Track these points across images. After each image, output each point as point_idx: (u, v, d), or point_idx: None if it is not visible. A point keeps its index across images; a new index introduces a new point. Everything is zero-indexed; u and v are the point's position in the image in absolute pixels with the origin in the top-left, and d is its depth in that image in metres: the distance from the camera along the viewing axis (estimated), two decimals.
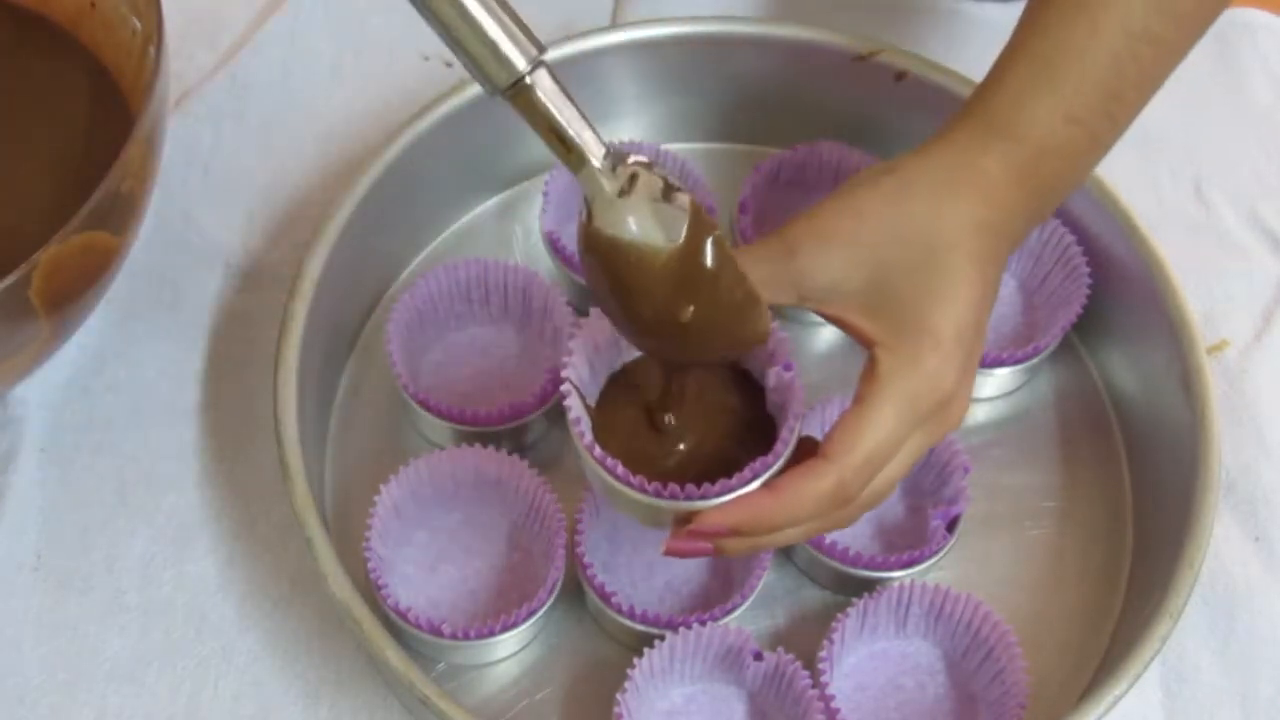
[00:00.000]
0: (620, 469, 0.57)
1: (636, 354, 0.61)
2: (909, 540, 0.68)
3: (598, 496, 0.64)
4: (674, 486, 0.56)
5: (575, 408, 0.58)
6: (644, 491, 0.57)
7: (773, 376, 0.59)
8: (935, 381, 0.56)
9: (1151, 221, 0.72)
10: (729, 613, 0.64)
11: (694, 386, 0.60)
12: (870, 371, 0.57)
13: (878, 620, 0.65)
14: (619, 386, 0.61)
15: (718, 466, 0.57)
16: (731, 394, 0.61)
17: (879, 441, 0.56)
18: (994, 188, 0.58)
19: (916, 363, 0.56)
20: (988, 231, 0.58)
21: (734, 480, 0.56)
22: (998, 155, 0.59)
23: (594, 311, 0.59)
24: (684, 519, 0.57)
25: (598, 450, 0.57)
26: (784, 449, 0.57)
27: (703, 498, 0.57)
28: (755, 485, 0.57)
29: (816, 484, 0.55)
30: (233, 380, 0.73)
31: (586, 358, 0.60)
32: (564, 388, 0.58)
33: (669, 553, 0.57)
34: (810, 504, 0.56)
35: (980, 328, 0.58)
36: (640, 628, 0.64)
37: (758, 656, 0.63)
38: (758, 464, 0.56)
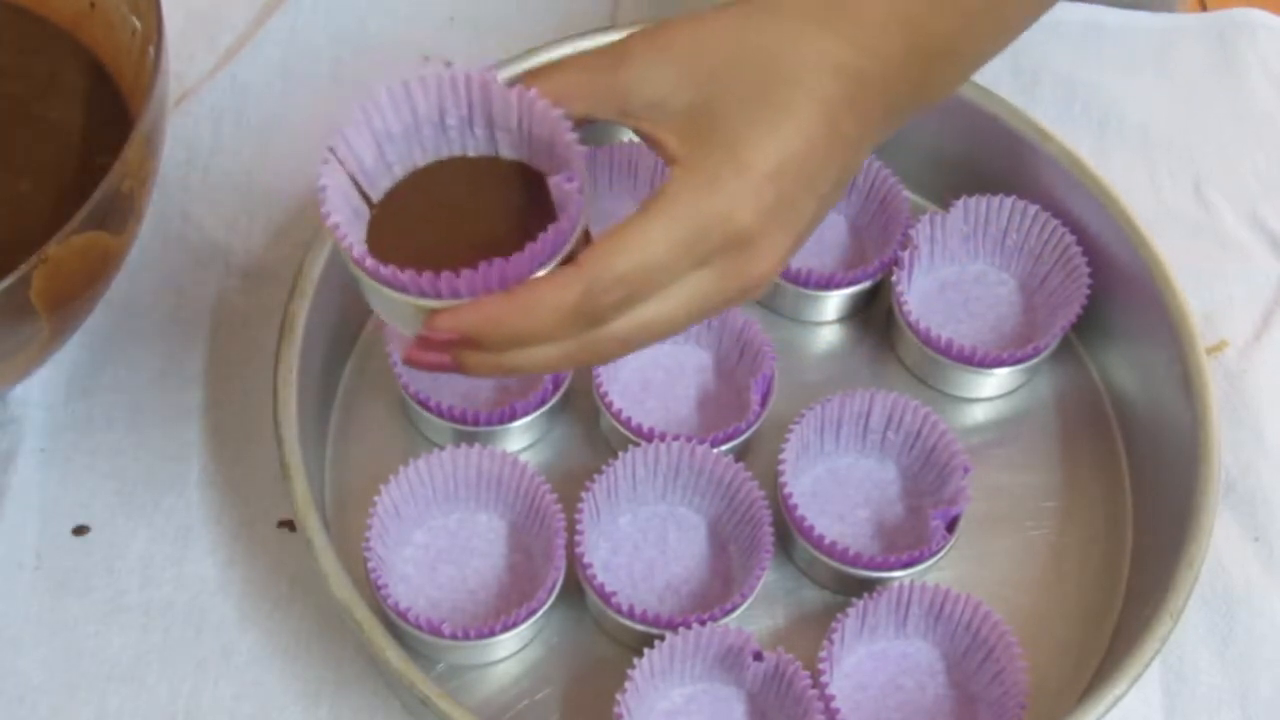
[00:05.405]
0: (357, 250, 0.50)
1: (441, 157, 0.54)
2: (909, 540, 0.68)
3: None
4: (392, 271, 0.49)
5: (327, 175, 0.50)
6: (377, 278, 0.50)
7: (553, 187, 0.51)
8: (729, 210, 0.50)
9: (1151, 222, 0.72)
10: (729, 613, 0.64)
11: (470, 188, 0.54)
12: (659, 189, 0.50)
13: (878, 620, 0.65)
14: (412, 189, 0.54)
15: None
16: (525, 207, 0.53)
17: (642, 261, 0.49)
18: (868, 30, 0.52)
19: (712, 185, 0.50)
20: (850, 78, 0.52)
21: (462, 279, 0.49)
22: None
23: (387, 91, 0.53)
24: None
25: (340, 229, 0.50)
26: (537, 257, 0.49)
27: (437, 295, 0.50)
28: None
29: (558, 293, 0.49)
30: (233, 380, 0.73)
31: (373, 138, 0.52)
32: (323, 154, 0.51)
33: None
34: (549, 315, 0.49)
35: (807, 180, 0.51)
36: (640, 628, 0.64)
37: (758, 656, 0.63)
38: (498, 263, 0.49)
